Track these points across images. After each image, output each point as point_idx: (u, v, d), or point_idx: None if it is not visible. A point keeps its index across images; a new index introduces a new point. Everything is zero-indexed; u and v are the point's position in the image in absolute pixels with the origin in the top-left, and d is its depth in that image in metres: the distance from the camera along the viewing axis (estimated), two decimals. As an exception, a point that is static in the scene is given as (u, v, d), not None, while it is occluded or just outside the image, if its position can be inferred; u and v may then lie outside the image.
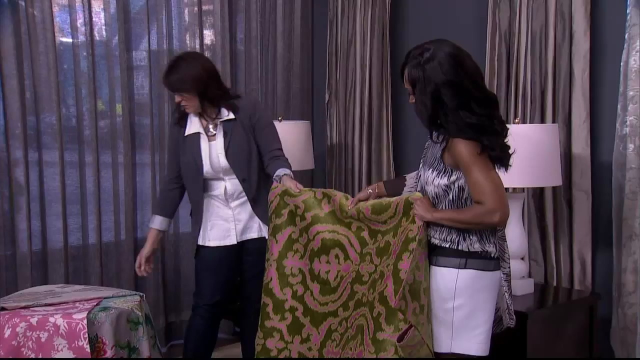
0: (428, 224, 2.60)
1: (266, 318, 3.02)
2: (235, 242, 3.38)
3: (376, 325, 2.59)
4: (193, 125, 3.37)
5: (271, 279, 3.01)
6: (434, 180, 2.58)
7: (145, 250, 3.46)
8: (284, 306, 2.98)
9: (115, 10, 4.13)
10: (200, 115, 3.36)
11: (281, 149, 3.42)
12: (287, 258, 2.99)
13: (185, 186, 3.48)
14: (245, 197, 3.36)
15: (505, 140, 2.58)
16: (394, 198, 2.73)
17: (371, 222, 2.79)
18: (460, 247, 2.55)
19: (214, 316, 3.47)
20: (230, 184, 3.35)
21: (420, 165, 2.73)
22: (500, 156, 2.52)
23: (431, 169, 2.60)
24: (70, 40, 4.03)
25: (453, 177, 2.54)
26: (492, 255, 2.57)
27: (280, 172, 3.20)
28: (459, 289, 2.54)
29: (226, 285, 3.45)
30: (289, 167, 3.32)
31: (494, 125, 2.51)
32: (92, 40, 4.05)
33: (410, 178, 2.85)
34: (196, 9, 4.48)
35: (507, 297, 2.68)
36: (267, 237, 3.19)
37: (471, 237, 2.55)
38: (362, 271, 2.80)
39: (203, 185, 3.38)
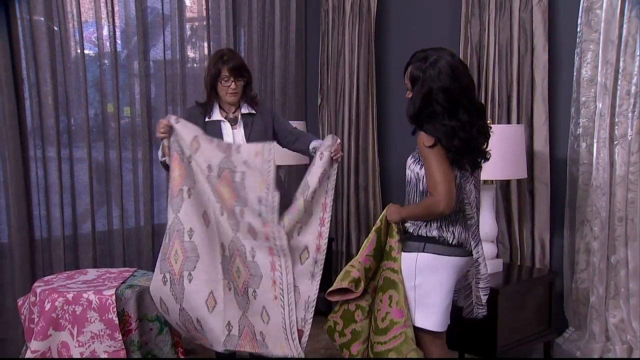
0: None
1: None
2: None
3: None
4: (215, 114, 3.23)
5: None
6: (410, 166, 2.62)
7: None
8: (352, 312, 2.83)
9: (135, 25, 4.14)
10: (221, 107, 3.24)
11: None
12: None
13: None
14: None
15: (484, 147, 2.60)
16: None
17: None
18: (420, 232, 2.59)
19: None
20: None
21: None
22: (456, 159, 2.49)
23: (412, 156, 2.64)
24: (95, 51, 4.04)
25: (424, 170, 2.55)
26: (450, 242, 2.58)
27: (315, 143, 3.11)
28: (418, 269, 2.58)
29: None
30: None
31: (471, 133, 2.49)
32: (115, 51, 4.06)
33: None
34: (204, 22, 4.48)
35: (476, 289, 2.69)
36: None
37: (432, 224, 2.58)
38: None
39: None
